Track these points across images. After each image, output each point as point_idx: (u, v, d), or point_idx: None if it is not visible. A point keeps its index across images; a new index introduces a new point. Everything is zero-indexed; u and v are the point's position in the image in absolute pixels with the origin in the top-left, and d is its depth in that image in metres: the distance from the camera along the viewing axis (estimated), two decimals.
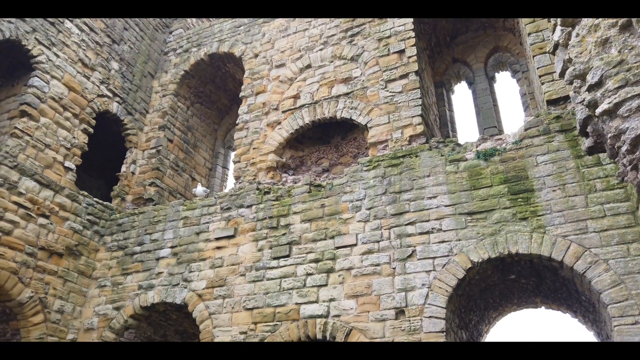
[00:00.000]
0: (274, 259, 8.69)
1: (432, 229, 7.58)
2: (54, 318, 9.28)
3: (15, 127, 9.31)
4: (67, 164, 10.24)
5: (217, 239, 9.46)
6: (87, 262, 10.24)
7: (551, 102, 8.11)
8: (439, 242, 7.43)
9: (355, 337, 7.36)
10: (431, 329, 6.86)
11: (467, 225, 7.39)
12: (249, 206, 9.54)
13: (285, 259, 8.58)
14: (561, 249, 6.61)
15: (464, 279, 7.10)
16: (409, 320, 7.07)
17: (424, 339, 6.85)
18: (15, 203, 8.96)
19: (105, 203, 11.01)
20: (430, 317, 6.94)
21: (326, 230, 8.50)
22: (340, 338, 7.48)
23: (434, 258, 7.36)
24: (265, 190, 9.63)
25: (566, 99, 8.00)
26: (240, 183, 10.37)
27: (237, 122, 11.37)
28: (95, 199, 10.77)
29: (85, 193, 10.57)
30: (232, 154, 13.31)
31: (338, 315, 7.68)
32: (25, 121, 9.49)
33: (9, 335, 9.08)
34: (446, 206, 7.67)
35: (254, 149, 10.70)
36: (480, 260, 7.03)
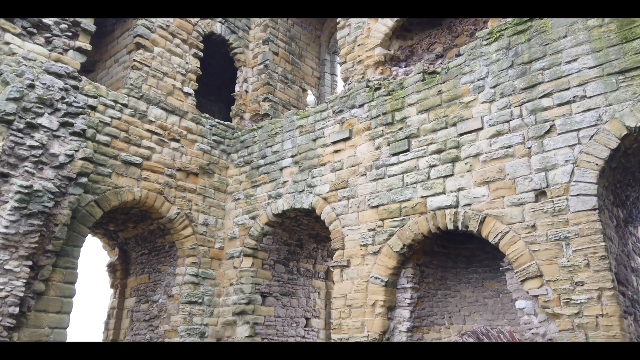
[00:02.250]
0: (393, 155, 8.37)
1: (574, 97, 6.51)
2: (200, 230, 10.23)
3: (134, 60, 9.85)
4: (185, 89, 10.72)
5: (334, 142, 9.36)
6: (220, 179, 10.95)
7: None
8: (584, 111, 6.39)
9: (490, 225, 6.90)
10: (580, 207, 6.11)
11: (619, 86, 6.20)
12: (361, 105, 9.16)
13: (405, 153, 8.20)
14: None
15: (618, 149, 6.09)
16: (552, 201, 6.37)
17: (571, 219, 6.15)
18: (148, 131, 9.71)
19: (226, 123, 11.48)
20: (577, 195, 6.16)
21: (446, 118, 7.85)
22: (473, 227, 7.09)
23: (577, 130, 6.39)
24: (376, 86, 9.12)
25: None
26: (349, 84, 9.96)
27: (337, 20, 10.74)
28: (216, 120, 11.26)
29: (207, 115, 11.08)
30: (338, 59, 12.81)
31: (469, 205, 7.23)
32: (141, 53, 9.98)
33: (167, 248, 10.28)
34: (590, 68, 6.48)
35: (358, 45, 10.08)
36: (638, 125, 5.92)
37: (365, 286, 8.06)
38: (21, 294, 6.80)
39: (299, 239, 11.00)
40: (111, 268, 11.36)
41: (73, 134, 7.47)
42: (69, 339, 8.02)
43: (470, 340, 7.88)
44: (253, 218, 10.30)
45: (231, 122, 11.87)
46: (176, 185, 10.00)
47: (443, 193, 7.56)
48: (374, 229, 8.25)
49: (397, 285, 8.04)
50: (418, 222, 7.73)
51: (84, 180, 7.59)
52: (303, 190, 9.59)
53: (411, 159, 8.10)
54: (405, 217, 7.92)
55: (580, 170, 6.23)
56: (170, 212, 9.77)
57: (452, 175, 7.53)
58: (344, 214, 8.77)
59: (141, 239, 10.70)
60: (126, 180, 9.14)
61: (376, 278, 7.95)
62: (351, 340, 7.94)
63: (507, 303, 7.85)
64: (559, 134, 6.54)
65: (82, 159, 7.52)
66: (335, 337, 8.22)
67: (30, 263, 6.93)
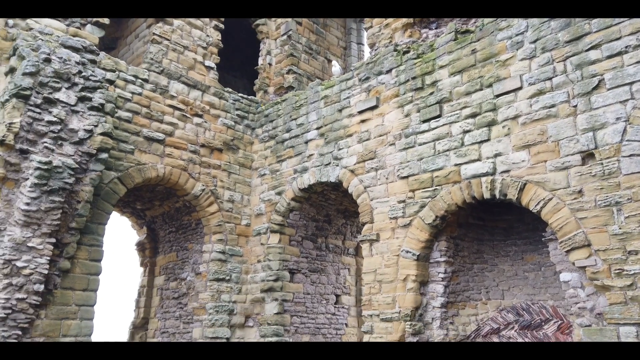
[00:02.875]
0: (424, 121, 7.85)
1: (626, 47, 5.83)
2: (226, 207, 10.03)
3: (154, 33, 9.60)
4: (207, 62, 10.42)
5: (360, 112, 8.90)
6: (244, 154, 10.69)
7: None
8: (637, 63, 5.71)
9: (531, 192, 6.36)
10: (633, 169, 5.50)
11: None
12: (389, 71, 8.64)
13: (437, 119, 7.68)
14: None
15: None
16: (601, 164, 5.77)
17: (623, 182, 5.55)
18: (170, 106, 9.49)
19: (250, 97, 11.16)
20: (630, 155, 5.54)
21: (481, 79, 7.26)
22: (512, 195, 6.56)
23: (630, 84, 5.72)
24: (404, 50, 8.57)
25: None
26: (376, 50, 9.43)
27: None
28: (239, 94, 10.95)
29: (230, 90, 10.78)
30: (364, 24, 12.22)
31: (507, 171, 6.69)
32: (160, 26, 9.71)
33: (194, 225, 10.15)
34: None
35: None
36: None
37: (396, 260, 7.67)
38: (45, 272, 6.74)
39: (327, 214, 10.68)
40: (140, 247, 11.36)
41: (91, 108, 7.29)
42: (97, 317, 7.98)
43: (510, 316, 7.41)
44: (279, 194, 10.01)
45: (255, 96, 11.54)
46: (200, 162, 9.79)
47: (478, 160, 7.03)
48: (404, 201, 7.81)
49: (430, 259, 7.62)
50: (451, 192, 7.24)
51: (104, 156, 7.44)
52: (329, 164, 9.21)
53: (443, 125, 7.58)
54: (437, 188, 7.44)
55: (634, 129, 5.59)
56: (195, 188, 9.59)
57: (488, 140, 6.98)
58: (372, 186, 8.36)
59: (168, 217, 10.60)
60: (149, 157, 8.98)
61: (407, 252, 7.55)
62: (381, 316, 7.60)
63: (550, 276, 7.32)
64: (608, 90, 5.89)
65: (102, 134, 7.35)
66: (365, 313, 7.90)
67: (53, 240, 6.86)
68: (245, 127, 10.86)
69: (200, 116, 10.00)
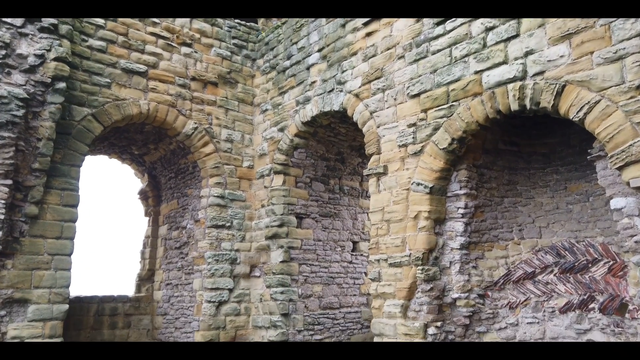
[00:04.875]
0: (438, 24, 6.34)
1: None
2: (224, 147, 9.02)
3: None
4: None
5: (365, 24, 7.44)
6: (244, 89, 9.54)
7: None
8: None
9: (572, 95, 4.84)
10: None
11: None
12: None
13: (453, 20, 6.15)
14: None
15: None
16: None
17: None
18: (152, 34, 8.41)
19: (249, 24, 9.88)
20: None
21: None
22: (547, 102, 5.06)
23: None
24: None
25: None
26: None
27: None
28: (236, 20, 9.69)
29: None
30: None
31: (540, 73, 5.16)
32: None
33: (191, 169, 9.24)
34: None
35: None
36: None
37: (406, 195, 6.41)
38: (2, 217, 6.01)
39: (339, 152, 9.45)
40: (143, 195, 10.67)
41: (42, 30, 6.32)
42: (105, 270, 7.29)
43: (548, 257, 6.04)
44: (281, 130, 8.85)
45: (257, 23, 10.24)
46: (191, 97, 8.74)
47: (504, 63, 5.52)
48: (414, 124, 6.45)
49: (447, 192, 6.29)
50: (471, 107, 5.81)
51: (61, 85, 6.51)
52: (332, 90, 7.90)
53: (461, 24, 6.05)
54: (453, 104, 6.02)
55: None
56: (186, 127, 8.60)
57: (516, 36, 5.43)
58: (378, 111, 7.02)
59: (166, 161, 9.75)
60: (130, 91, 8.01)
61: (418, 184, 6.26)
62: (390, 260, 6.44)
63: (600, 207, 5.83)
64: None
65: (56, 59, 6.39)
66: (372, 257, 6.77)
67: (9, 182, 6.09)
68: (245, 57, 9.65)
69: (189, 45, 8.86)
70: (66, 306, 6.86)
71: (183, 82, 8.65)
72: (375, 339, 6.53)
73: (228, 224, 8.76)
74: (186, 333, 8.70)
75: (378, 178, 6.86)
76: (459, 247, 6.14)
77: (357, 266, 9.76)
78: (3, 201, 6.02)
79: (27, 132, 6.32)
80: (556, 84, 4.98)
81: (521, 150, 6.72)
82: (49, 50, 6.31)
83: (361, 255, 9.82)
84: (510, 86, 5.42)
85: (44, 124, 6.45)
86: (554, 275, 5.92)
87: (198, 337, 8.25)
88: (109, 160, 10.74)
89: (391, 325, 6.31)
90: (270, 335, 8.25)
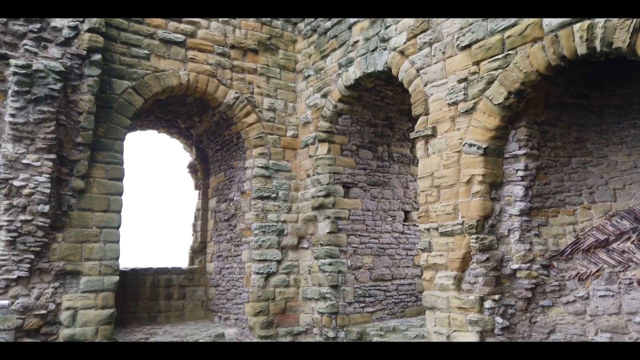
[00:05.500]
0: None
1: None
2: (267, 117, 8.75)
3: None
4: None
5: None
6: (286, 55, 9.18)
7: None
8: None
9: None
10: None
11: None
12: None
13: None
14: None
15: None
16: None
17: None
18: None
19: None
20: None
21: None
22: (621, 41, 4.32)
23: None
24: None
25: None
26: None
27: None
28: None
29: None
30: None
31: None
32: None
33: (235, 140, 9.08)
34: None
35: None
36: None
37: (457, 158, 5.85)
38: (47, 191, 6.11)
39: (387, 117, 8.91)
40: (192, 169, 10.71)
41: None
42: (155, 243, 7.38)
43: (625, 222, 5.31)
44: (325, 96, 8.44)
45: None
46: (231, 66, 8.50)
47: None
48: (465, 79, 5.82)
49: (504, 152, 5.68)
50: (530, 55, 5.11)
51: (97, 57, 6.44)
52: (375, 49, 7.35)
53: None
54: (509, 52, 5.34)
55: None
56: (227, 97, 8.40)
57: None
58: (425, 67, 6.42)
59: (211, 133, 9.66)
60: (169, 62, 7.87)
61: (471, 145, 5.67)
62: (441, 229, 5.95)
63: None
64: None
65: (89, 30, 6.31)
66: (422, 226, 6.31)
67: (53, 157, 6.14)
68: (285, 22, 9.24)
69: None
70: (116, 278, 6.97)
71: (222, 50, 8.41)
72: (428, 313, 6.13)
73: (273, 195, 8.56)
74: (237, 304, 8.70)
75: (426, 141, 6.32)
76: (518, 213, 5.54)
77: (409, 237, 9.30)
78: (47, 175, 6.10)
79: (68, 106, 6.33)
80: (633, 20, 4.21)
81: (591, 104, 5.92)
82: (82, 22, 6.23)
83: (413, 225, 9.33)
84: (576, 26, 4.68)
85: (84, 98, 6.44)
86: (632, 242, 5.20)
87: (248, 309, 8.21)
88: (158, 135, 10.82)
89: (444, 298, 5.87)
90: (320, 307, 8.05)
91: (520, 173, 5.57)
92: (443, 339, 5.77)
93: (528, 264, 5.47)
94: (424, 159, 6.34)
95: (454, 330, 5.69)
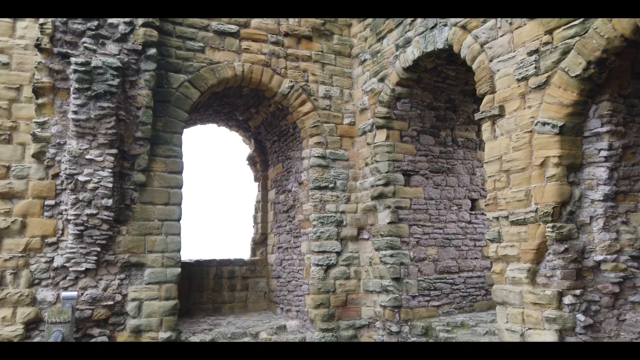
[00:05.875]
0: None
1: None
2: (322, 105, 8.53)
3: None
4: None
5: None
6: (341, 40, 8.88)
7: None
8: None
9: None
10: None
11: None
12: None
13: None
14: None
15: None
16: None
17: None
18: None
19: None
20: None
21: None
22: None
23: None
24: None
25: None
26: None
27: None
28: None
29: None
30: None
31: None
32: None
33: (291, 130, 8.94)
34: None
35: None
36: None
37: (529, 139, 5.31)
38: (110, 185, 6.27)
39: (449, 99, 8.39)
40: (251, 161, 10.74)
41: None
42: (193, 233, 7.50)
43: None
44: (382, 80, 8.07)
45: None
46: (285, 54, 8.34)
47: None
48: (536, 51, 5.25)
49: (584, 131, 5.07)
50: (613, 19, 4.48)
51: (152, 51, 6.50)
52: (435, 25, 6.87)
53: None
54: (586, 19, 4.72)
55: None
56: (282, 86, 8.26)
57: None
58: (490, 41, 5.89)
59: (268, 124, 9.60)
60: (223, 54, 7.85)
61: (544, 124, 5.12)
62: (511, 218, 5.45)
63: None
64: None
65: (144, 24, 6.37)
66: (490, 215, 5.82)
67: (114, 151, 6.29)
68: None
69: None
70: (178, 270, 7.07)
71: (276, 39, 8.27)
72: (498, 308, 5.66)
73: (331, 185, 8.35)
74: (298, 296, 8.61)
75: (493, 122, 5.81)
76: (602, 198, 4.93)
77: (477, 226, 8.75)
78: (110, 170, 6.25)
79: (127, 102, 6.45)
80: None
81: None
82: (137, 17, 6.29)
83: (481, 214, 8.76)
84: None
85: (141, 92, 6.53)
86: None
87: (308, 301, 8.08)
88: (218, 129, 10.95)
89: (516, 293, 5.38)
90: (382, 300, 7.76)
91: (604, 153, 4.95)
92: (516, 338, 5.29)
93: (614, 255, 4.86)
94: (491, 142, 5.83)
95: (529, 328, 5.19)
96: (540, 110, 5.19)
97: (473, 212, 8.74)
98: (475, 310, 8.30)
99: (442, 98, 8.31)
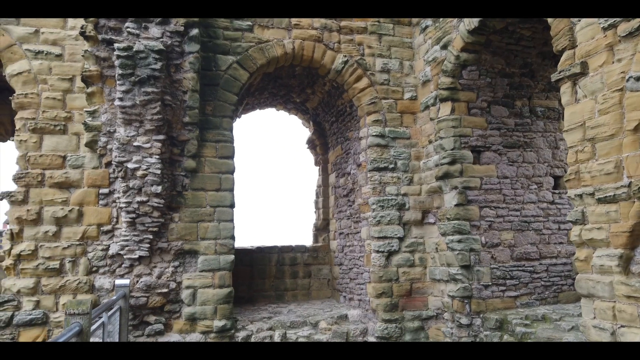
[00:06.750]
0: None
1: None
2: (380, 79, 7.91)
3: None
4: None
5: None
6: None
7: None
8: None
9: None
10: None
11: None
12: None
13: None
14: None
15: None
16: None
17: None
18: None
19: None
20: None
21: None
22: None
23: None
24: None
25: None
26: None
27: None
28: None
29: None
30: None
31: None
32: None
33: (348, 109, 8.42)
34: None
35: None
36: None
37: (619, 99, 4.38)
38: (158, 172, 6.18)
39: (525, 64, 7.40)
40: (311, 144, 10.37)
41: None
42: (252, 220, 7.32)
43: None
44: (444, 47, 7.28)
45: None
46: (338, 27, 7.81)
47: None
48: None
49: None
50: None
51: (194, 32, 6.27)
52: None
53: None
54: None
55: None
56: (335, 62, 7.76)
57: None
58: None
59: (324, 105, 9.15)
60: (273, 32, 7.49)
61: (638, 80, 4.17)
62: (598, 195, 4.56)
63: None
64: None
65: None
66: (572, 192, 4.95)
67: (161, 137, 6.19)
68: None
69: None
70: (232, 257, 6.90)
71: None
72: (583, 302, 4.81)
73: (391, 166, 7.74)
74: (359, 284, 8.15)
75: (574, 82, 4.90)
76: None
77: (561, 207, 7.72)
78: (157, 156, 6.16)
79: (172, 86, 6.31)
80: None
81: None
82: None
83: (566, 192, 7.70)
84: None
85: (187, 76, 6.36)
86: None
87: (370, 290, 7.60)
88: (277, 113, 10.68)
89: (605, 284, 4.51)
90: (450, 290, 7.08)
91: None
92: (606, 337, 4.45)
93: None
94: (572, 106, 4.93)
95: (622, 326, 4.33)
96: (633, 63, 4.24)
97: (556, 191, 7.72)
98: (561, 302, 7.35)
99: (517, 63, 7.35)
